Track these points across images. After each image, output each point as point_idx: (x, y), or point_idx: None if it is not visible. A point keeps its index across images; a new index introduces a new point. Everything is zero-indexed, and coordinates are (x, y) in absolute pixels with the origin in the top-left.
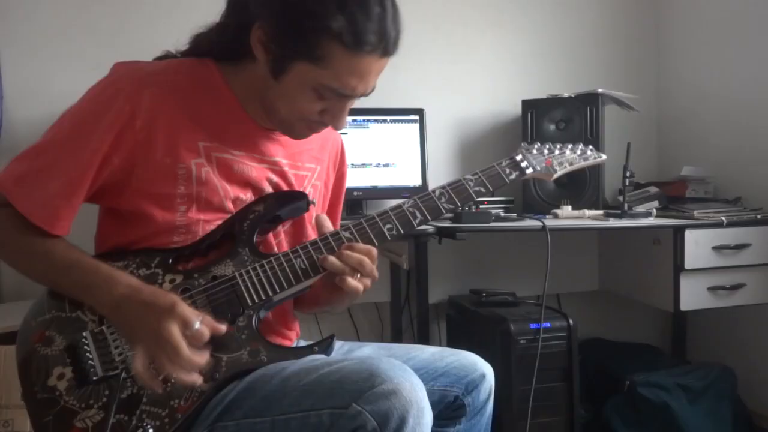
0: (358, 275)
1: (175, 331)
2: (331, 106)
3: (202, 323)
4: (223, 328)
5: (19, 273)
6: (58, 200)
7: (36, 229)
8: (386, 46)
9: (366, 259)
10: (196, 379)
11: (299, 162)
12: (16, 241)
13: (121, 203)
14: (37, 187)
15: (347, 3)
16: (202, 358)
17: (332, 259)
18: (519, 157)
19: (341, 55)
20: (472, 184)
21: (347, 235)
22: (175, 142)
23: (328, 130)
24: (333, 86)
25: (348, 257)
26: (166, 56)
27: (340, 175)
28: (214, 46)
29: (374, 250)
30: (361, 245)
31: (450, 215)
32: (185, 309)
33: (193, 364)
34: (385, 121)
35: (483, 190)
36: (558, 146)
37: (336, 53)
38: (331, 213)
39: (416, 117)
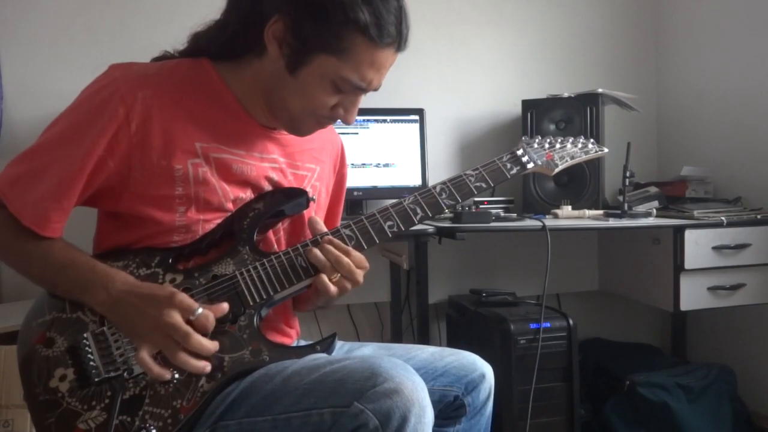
0: (337, 275)
1: (178, 318)
2: (344, 100)
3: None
4: (225, 306)
5: (19, 275)
6: (48, 202)
7: (29, 231)
8: (401, 40)
9: (343, 258)
10: (206, 365)
11: (298, 162)
12: (12, 242)
13: (120, 207)
14: (29, 188)
15: None
16: (213, 343)
17: (315, 251)
18: (520, 152)
19: (364, 48)
20: (473, 179)
21: (348, 232)
22: (171, 144)
23: (328, 132)
24: (352, 79)
25: (327, 251)
26: (164, 57)
27: (340, 177)
28: (213, 45)
29: (355, 253)
30: (341, 243)
31: (450, 215)
32: (185, 297)
33: (203, 348)
34: (385, 121)
35: (484, 185)
36: (559, 140)
37: (359, 45)
38: (331, 214)
39: (416, 117)
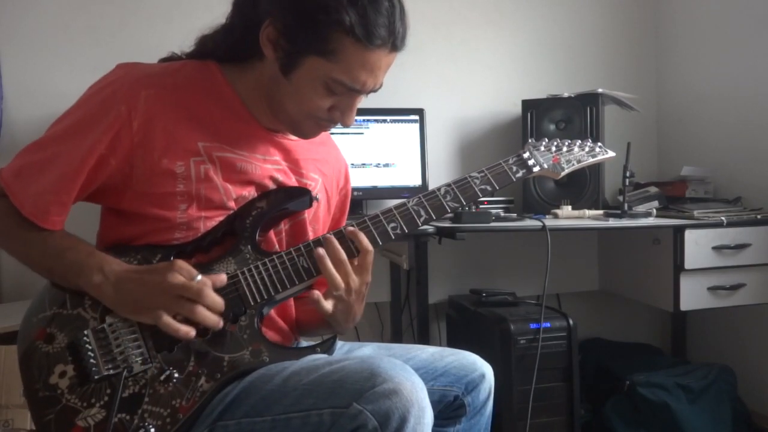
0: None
1: (183, 278)
2: (340, 102)
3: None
4: (223, 277)
5: (19, 262)
6: (48, 196)
7: (30, 222)
8: (395, 40)
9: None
10: (219, 320)
11: (303, 170)
12: (14, 230)
13: (123, 204)
14: (31, 181)
15: None
16: (220, 299)
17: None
18: (526, 155)
19: (352, 49)
20: (477, 182)
21: None
22: (173, 143)
23: (333, 150)
24: (343, 80)
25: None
26: (171, 58)
27: (344, 195)
28: (219, 48)
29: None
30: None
31: (450, 215)
32: (184, 263)
33: (216, 303)
34: (385, 121)
35: (489, 188)
36: (566, 143)
37: (347, 47)
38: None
39: (416, 117)
